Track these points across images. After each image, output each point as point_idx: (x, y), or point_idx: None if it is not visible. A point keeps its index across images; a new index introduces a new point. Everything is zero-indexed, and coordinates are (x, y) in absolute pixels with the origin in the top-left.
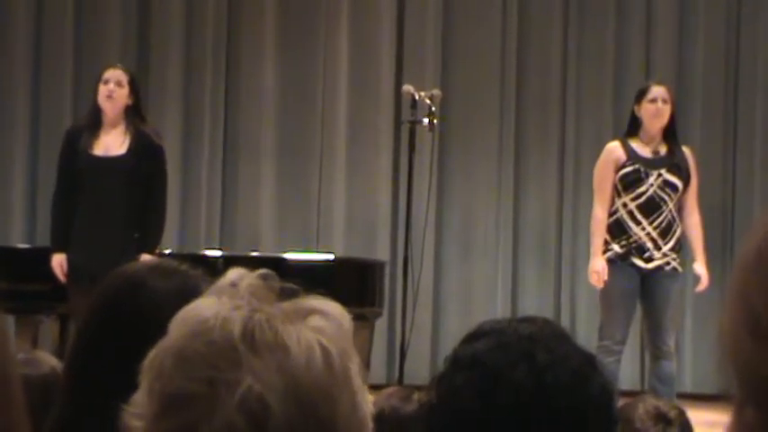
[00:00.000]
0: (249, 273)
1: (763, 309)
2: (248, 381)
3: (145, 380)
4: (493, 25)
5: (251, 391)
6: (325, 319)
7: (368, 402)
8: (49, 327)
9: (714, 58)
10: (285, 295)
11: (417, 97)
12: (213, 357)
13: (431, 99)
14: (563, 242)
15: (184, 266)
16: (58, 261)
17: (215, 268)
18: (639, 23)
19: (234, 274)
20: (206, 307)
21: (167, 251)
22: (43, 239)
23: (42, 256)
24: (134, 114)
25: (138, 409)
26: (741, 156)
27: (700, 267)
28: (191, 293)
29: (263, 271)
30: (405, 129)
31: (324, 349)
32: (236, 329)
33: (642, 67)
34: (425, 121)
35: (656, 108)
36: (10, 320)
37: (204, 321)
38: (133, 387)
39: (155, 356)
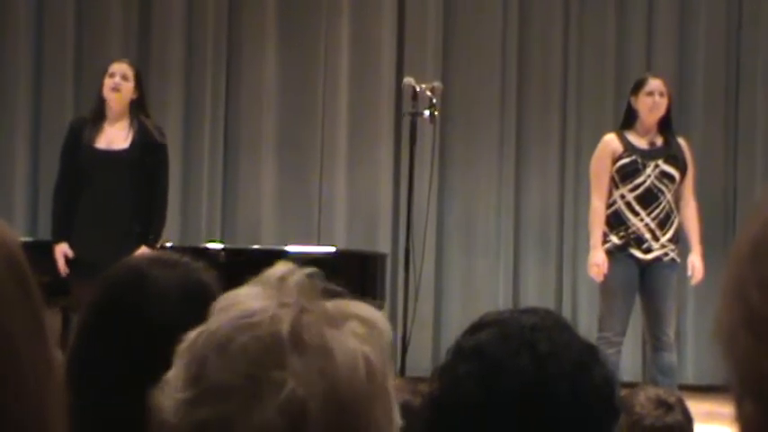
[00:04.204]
0: (297, 268)
1: (760, 303)
2: (291, 383)
3: (181, 362)
4: (494, 17)
5: (294, 395)
6: (367, 326)
7: (398, 415)
8: (51, 320)
9: (715, 50)
10: (329, 296)
11: (418, 89)
12: (259, 354)
13: (432, 91)
14: (564, 234)
15: (185, 259)
16: (61, 250)
17: (216, 261)
18: (641, 15)
19: (282, 267)
20: (252, 298)
21: (168, 244)
22: (45, 233)
23: (44, 249)
24: (138, 109)
25: (170, 389)
26: (742, 149)
27: (696, 259)
28: (192, 285)
29: (310, 269)
30: (406, 121)
31: (367, 360)
32: (284, 328)
33: (643, 60)
34: (426, 113)
35: (653, 101)
36: (53, 317)
37: (251, 314)
38: (135, 377)
39: (195, 341)
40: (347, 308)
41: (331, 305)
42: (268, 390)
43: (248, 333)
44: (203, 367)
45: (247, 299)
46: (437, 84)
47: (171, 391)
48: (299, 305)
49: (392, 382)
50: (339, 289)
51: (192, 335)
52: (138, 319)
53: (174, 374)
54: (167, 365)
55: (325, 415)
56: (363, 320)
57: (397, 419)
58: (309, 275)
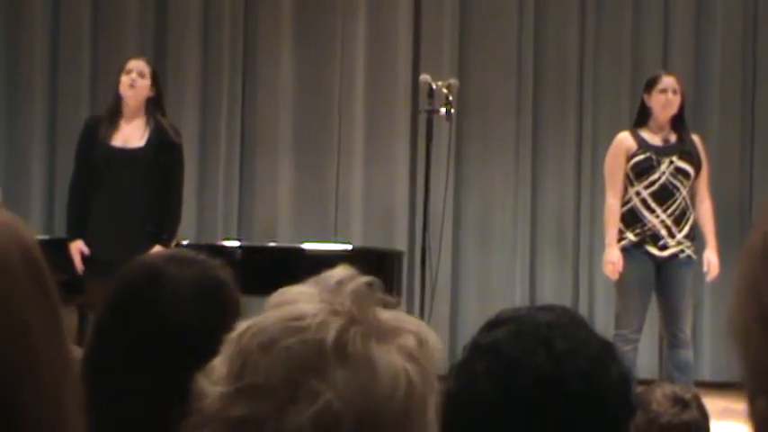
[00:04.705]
0: (357, 275)
1: None
2: (329, 395)
3: (226, 354)
4: (510, 15)
5: (329, 407)
6: (419, 343)
7: None
8: (67, 317)
9: (732, 50)
10: (385, 306)
11: (434, 87)
12: (301, 359)
13: (448, 89)
14: (581, 231)
15: (202, 256)
16: (77, 248)
17: (233, 259)
18: (656, 14)
19: (341, 272)
20: (305, 300)
21: (185, 242)
22: (61, 230)
23: (60, 246)
24: (154, 107)
25: (213, 378)
26: (758, 148)
27: (711, 254)
28: (208, 283)
29: (369, 278)
30: (422, 119)
31: (409, 381)
32: (330, 336)
33: (659, 59)
34: (443, 110)
35: (666, 99)
36: (70, 315)
37: (301, 317)
38: (151, 375)
39: (243, 334)
40: (400, 322)
41: (383, 317)
42: (304, 396)
43: (294, 336)
44: (246, 364)
45: (301, 299)
46: (453, 81)
47: (213, 381)
48: (350, 314)
49: (433, 403)
50: (393, 302)
51: (241, 327)
52: (153, 316)
53: (219, 365)
54: (182, 363)
55: (358, 431)
56: (414, 337)
57: None
58: (368, 284)
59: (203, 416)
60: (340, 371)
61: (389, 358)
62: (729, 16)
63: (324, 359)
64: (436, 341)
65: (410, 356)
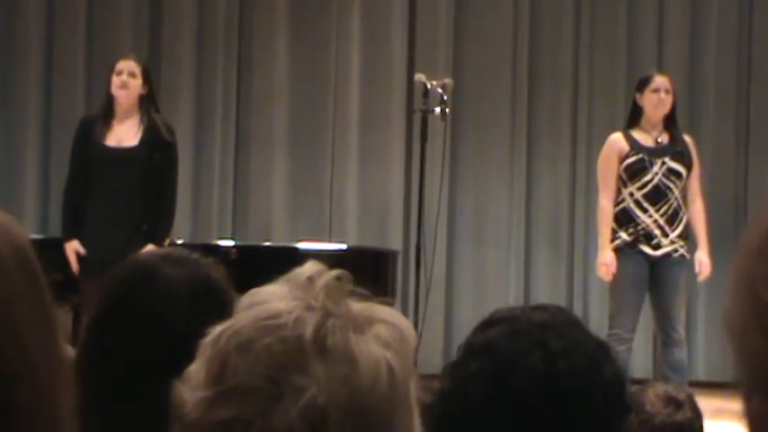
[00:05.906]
0: (326, 270)
1: None
2: (313, 389)
3: (203, 358)
4: (505, 14)
5: (315, 402)
6: (393, 331)
7: (418, 423)
8: (62, 317)
9: (726, 49)
10: (356, 298)
11: (429, 86)
12: (281, 357)
13: (443, 88)
14: (575, 230)
15: (195, 255)
16: (73, 248)
17: (227, 258)
18: (651, 11)
19: (311, 268)
20: (278, 298)
21: (179, 241)
22: (55, 230)
23: (55, 246)
24: (148, 104)
25: (192, 385)
26: (753, 146)
27: (703, 255)
28: (202, 282)
29: (338, 271)
30: (417, 118)
31: (390, 369)
32: (308, 332)
33: (654, 55)
34: (437, 110)
35: (658, 98)
36: (65, 315)
37: (276, 315)
38: (144, 373)
39: (218, 338)
40: (373, 312)
41: (357, 309)
42: (289, 393)
43: (272, 335)
44: (225, 366)
45: (273, 298)
46: (448, 80)
47: (192, 386)
48: (325, 308)
49: (414, 390)
50: (366, 293)
51: (216, 331)
52: (147, 315)
53: (196, 370)
54: (176, 362)
55: (346, 422)
56: (389, 326)
57: (418, 429)
58: (337, 277)
59: (186, 422)
60: (321, 365)
61: (369, 348)
62: (724, 15)
63: (304, 355)
64: (409, 327)
65: (387, 345)
